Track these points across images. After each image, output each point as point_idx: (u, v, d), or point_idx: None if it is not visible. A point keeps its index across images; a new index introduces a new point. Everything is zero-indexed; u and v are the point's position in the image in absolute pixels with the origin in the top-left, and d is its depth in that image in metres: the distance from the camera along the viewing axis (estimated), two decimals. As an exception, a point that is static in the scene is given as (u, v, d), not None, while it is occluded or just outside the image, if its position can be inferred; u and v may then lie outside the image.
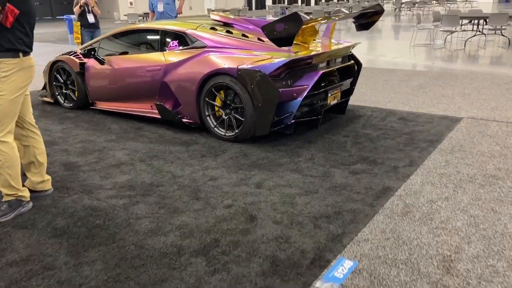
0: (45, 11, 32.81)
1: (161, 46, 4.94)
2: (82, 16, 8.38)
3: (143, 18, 19.16)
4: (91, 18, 8.45)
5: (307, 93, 4.16)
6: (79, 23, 8.56)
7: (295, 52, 4.26)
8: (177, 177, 3.53)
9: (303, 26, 4.31)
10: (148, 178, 3.51)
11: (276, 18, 5.09)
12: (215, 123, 4.46)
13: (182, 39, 4.79)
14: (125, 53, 5.23)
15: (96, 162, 3.87)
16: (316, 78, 4.19)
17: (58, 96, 5.87)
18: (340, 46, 4.76)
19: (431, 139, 4.30)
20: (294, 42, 4.57)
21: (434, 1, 30.84)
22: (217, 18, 5.20)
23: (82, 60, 5.46)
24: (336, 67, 4.62)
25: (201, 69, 4.37)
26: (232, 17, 5.16)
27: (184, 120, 4.66)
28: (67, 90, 5.76)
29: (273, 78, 4.03)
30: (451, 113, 5.23)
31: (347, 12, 4.96)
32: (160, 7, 8.23)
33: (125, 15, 18.72)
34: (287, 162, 3.80)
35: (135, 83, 4.98)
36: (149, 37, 5.14)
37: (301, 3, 42.85)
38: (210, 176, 3.53)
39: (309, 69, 4.28)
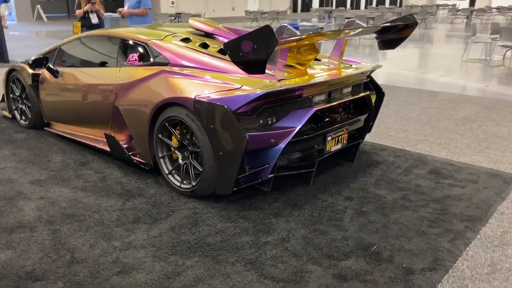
0: (61, 8, 32.28)
1: (119, 59, 3.85)
2: (84, 16, 7.53)
3: (175, 19, 18.39)
4: (94, 19, 7.56)
5: (292, 138, 2.92)
6: (79, 24, 7.71)
7: (280, 80, 3.03)
8: (75, 262, 2.39)
9: (293, 44, 3.07)
10: (35, 259, 2.40)
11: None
12: (169, 168, 3.30)
13: (143, 51, 3.67)
14: (84, 64, 4.19)
15: (-12, 221, 2.82)
16: (306, 118, 2.95)
17: (15, 111, 4.92)
18: (352, 71, 3.47)
19: (471, 216, 2.93)
20: (288, 63, 3.35)
21: (495, 9, 28.20)
22: (197, 25, 4.03)
23: (36, 71, 4.47)
24: (343, 101, 3.34)
25: (154, 96, 3.23)
26: (213, 25, 3.98)
27: (135, 159, 3.54)
28: (23, 105, 4.80)
29: (242, 116, 2.83)
30: (505, 167, 3.80)
31: (363, 25, 3.71)
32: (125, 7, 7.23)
33: (156, 15, 18.00)
34: (248, 244, 2.58)
35: (87, 104, 3.92)
36: (108, 46, 4.06)
37: (350, 7, 41.00)
38: (122, 265, 2.37)
39: (298, 104, 3.04)
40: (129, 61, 3.71)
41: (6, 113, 5.09)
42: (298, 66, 3.38)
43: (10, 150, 4.11)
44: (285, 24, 3.97)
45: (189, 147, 3.11)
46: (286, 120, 2.97)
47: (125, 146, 3.59)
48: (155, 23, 7.27)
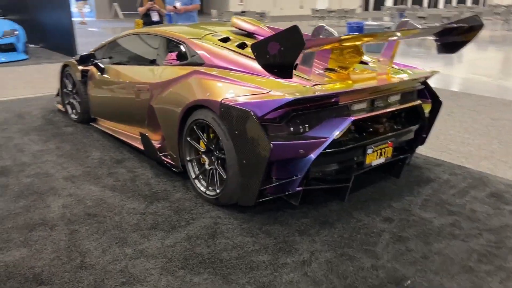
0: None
1: (159, 58, 3.78)
2: (145, 14, 7.71)
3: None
4: (155, 17, 7.73)
5: (325, 149, 2.65)
6: (141, 21, 7.93)
7: (315, 84, 2.77)
8: (83, 267, 2.31)
9: (336, 45, 2.80)
10: (46, 261, 2.36)
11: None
12: (197, 173, 3.16)
13: (182, 50, 3.56)
14: (127, 62, 4.19)
15: (14, 216, 2.85)
16: (341, 128, 2.66)
17: (68, 106, 5.07)
18: (402, 77, 3.11)
19: (534, 253, 2.48)
20: (329, 66, 3.09)
21: None
22: (240, 24, 3.85)
23: (86, 66, 4.55)
24: (388, 110, 3.00)
25: (184, 97, 3.10)
26: (256, 25, 3.78)
27: (166, 160, 3.44)
28: (74, 99, 4.92)
29: (270, 123, 2.61)
30: None
31: (418, 26, 3.29)
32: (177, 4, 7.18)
33: (221, 14, 18.16)
34: (264, 264, 2.36)
35: (126, 102, 3.91)
36: (150, 44, 4.01)
37: (427, 5, 38.87)
38: (129, 275, 2.25)
39: (334, 112, 2.76)
40: (167, 60, 3.63)
41: (60, 107, 5.27)
42: (340, 70, 3.09)
43: (56, 143, 4.21)
44: (322, 25, 3.66)
45: (215, 152, 2.95)
46: (319, 129, 2.70)
47: (157, 146, 3.52)
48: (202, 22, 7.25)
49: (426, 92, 3.49)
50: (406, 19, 3.29)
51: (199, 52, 3.35)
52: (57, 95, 5.36)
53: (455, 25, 3.13)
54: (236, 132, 2.67)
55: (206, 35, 3.58)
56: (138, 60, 4.07)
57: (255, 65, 2.98)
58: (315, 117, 2.72)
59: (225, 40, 3.53)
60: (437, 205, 3.05)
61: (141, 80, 3.70)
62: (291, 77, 2.41)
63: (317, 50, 2.79)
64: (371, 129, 3.04)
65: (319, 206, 3.00)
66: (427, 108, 3.44)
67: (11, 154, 3.92)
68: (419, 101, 3.18)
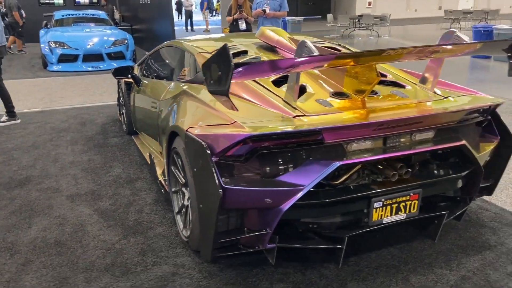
0: (291, 12, 33.98)
1: (175, 73, 3.47)
2: (232, 23, 7.61)
3: (357, 21, 17.39)
4: (242, 25, 7.59)
5: (298, 199, 2.03)
6: (228, 30, 7.88)
7: (296, 116, 2.14)
8: (2, 310, 2.10)
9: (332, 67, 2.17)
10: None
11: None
12: (179, 207, 2.75)
13: (191, 65, 3.20)
14: (156, 76, 3.98)
15: (-6, 234, 2.79)
16: (322, 175, 2.02)
17: (121, 116, 5.10)
18: (447, 106, 2.31)
19: None
20: (345, 90, 2.44)
21: None
22: (261, 37, 3.32)
23: (124, 78, 4.48)
24: (407, 152, 2.21)
25: (170, 120, 2.73)
26: (277, 37, 3.19)
27: (165, 184, 3.11)
28: (124, 110, 4.92)
29: (236, 162, 2.08)
30: None
31: (465, 39, 2.35)
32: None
33: (335, 18, 17.34)
34: None
35: (147, 118, 3.70)
36: (173, 58, 3.72)
37: None
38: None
39: (319, 153, 2.11)
40: (180, 75, 3.31)
41: (118, 116, 5.35)
42: (354, 95, 2.39)
43: (90, 155, 4.20)
44: (453, 30, 2.90)
45: (186, 188, 2.51)
46: (296, 174, 2.08)
47: (160, 169, 3.21)
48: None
49: (494, 126, 2.57)
50: (453, 29, 2.41)
51: (202, 68, 2.94)
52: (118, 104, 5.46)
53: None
54: (195, 170, 2.20)
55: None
56: (163, 73, 3.83)
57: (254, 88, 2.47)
58: (294, 158, 2.11)
59: (239, 54, 3.07)
60: (479, 287, 2.16)
61: (155, 95, 3.44)
62: (226, 95, 1.84)
63: (302, 71, 2.16)
64: (381, 176, 2.28)
65: (310, 267, 2.35)
66: (489, 147, 2.51)
67: (44, 164, 4.01)
68: (463, 141, 2.28)
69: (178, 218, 2.73)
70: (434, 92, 2.48)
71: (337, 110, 2.24)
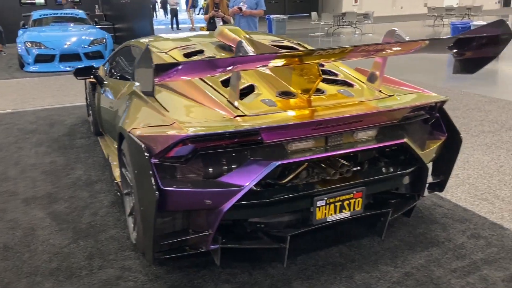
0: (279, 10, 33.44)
1: (133, 72, 3.43)
2: (209, 21, 7.57)
3: (341, 18, 17.41)
4: (219, 23, 7.55)
5: (239, 199, 2.02)
6: (205, 28, 7.87)
7: (236, 116, 2.13)
8: None
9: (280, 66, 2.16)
10: None
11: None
12: (129, 209, 2.72)
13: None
14: (115, 76, 3.93)
15: None
16: (260, 175, 2.01)
17: (89, 117, 5.04)
18: (390, 104, 2.31)
19: None
20: (292, 89, 2.42)
21: None
22: (219, 36, 3.29)
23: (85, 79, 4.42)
24: (347, 151, 2.21)
25: (120, 120, 2.70)
26: (233, 36, 3.16)
27: (118, 188, 3.08)
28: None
29: (177, 163, 2.06)
30: None
31: (405, 38, 2.36)
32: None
33: (319, 15, 17.34)
34: None
35: (106, 118, 3.66)
36: (133, 57, 3.68)
37: None
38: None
39: (259, 153, 2.10)
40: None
41: (87, 117, 5.29)
42: (300, 95, 2.37)
43: (53, 157, 4.15)
44: (394, 28, 2.91)
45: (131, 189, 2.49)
46: (236, 175, 2.07)
47: (116, 172, 3.17)
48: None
49: (441, 123, 2.58)
50: (393, 29, 2.41)
51: (152, 68, 2.90)
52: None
53: (471, 35, 2.20)
54: (136, 172, 2.18)
55: (174, 48, 3.12)
56: (122, 73, 3.78)
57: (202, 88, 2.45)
58: (236, 158, 2.10)
59: (194, 54, 3.03)
60: (421, 284, 2.16)
61: (114, 95, 3.40)
62: (152, 95, 1.83)
63: (239, 71, 2.14)
64: (325, 174, 2.28)
65: (258, 267, 2.34)
66: (436, 144, 2.52)
67: (5, 167, 3.95)
68: (404, 139, 2.28)
69: (129, 220, 2.70)
70: (380, 91, 2.48)
71: (280, 109, 2.23)
